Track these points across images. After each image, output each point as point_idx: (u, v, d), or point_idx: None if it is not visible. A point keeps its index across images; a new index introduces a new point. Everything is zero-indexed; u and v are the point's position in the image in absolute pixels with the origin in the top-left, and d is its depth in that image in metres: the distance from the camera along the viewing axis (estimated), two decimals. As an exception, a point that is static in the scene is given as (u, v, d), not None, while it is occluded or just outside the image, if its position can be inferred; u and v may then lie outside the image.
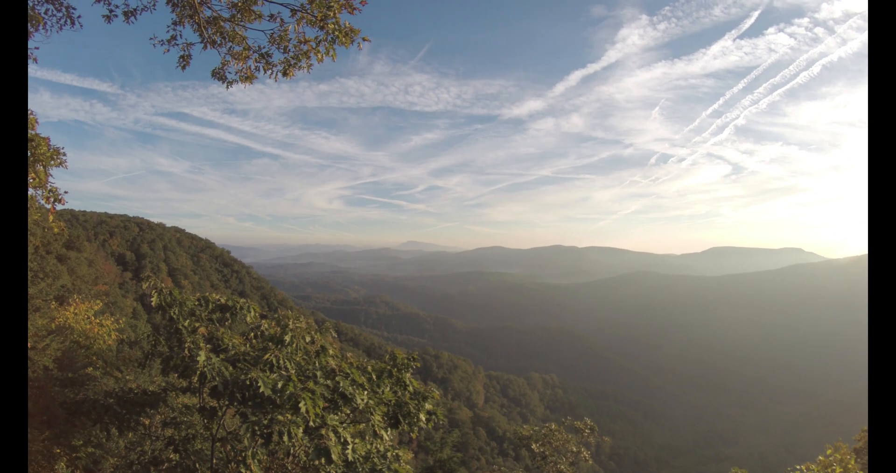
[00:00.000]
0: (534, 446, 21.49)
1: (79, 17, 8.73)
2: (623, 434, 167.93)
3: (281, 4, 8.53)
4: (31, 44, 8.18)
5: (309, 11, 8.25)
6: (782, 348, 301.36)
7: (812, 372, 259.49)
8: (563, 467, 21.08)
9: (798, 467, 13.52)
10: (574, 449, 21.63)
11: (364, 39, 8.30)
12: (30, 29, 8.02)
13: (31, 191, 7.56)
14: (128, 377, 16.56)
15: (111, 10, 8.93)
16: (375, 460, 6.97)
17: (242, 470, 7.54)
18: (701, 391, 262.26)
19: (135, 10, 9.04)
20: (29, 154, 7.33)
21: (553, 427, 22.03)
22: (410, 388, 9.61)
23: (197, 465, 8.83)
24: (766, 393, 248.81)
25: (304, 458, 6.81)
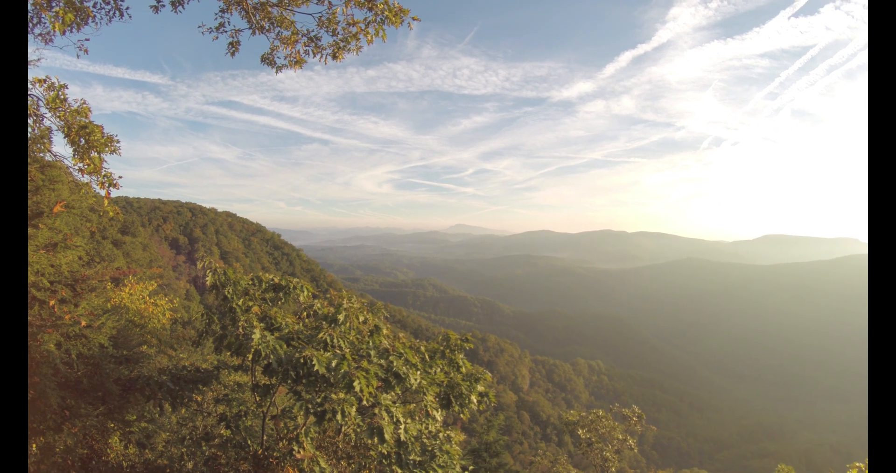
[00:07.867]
0: (580, 432, 21.34)
1: (127, 8, 8.58)
2: (668, 424, 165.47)
3: (328, -13, 8.44)
4: (80, 36, 8.24)
5: (357, -8, 8.14)
6: (832, 342, 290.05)
7: (863, 369, 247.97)
8: (607, 454, 20.89)
9: (847, 466, 12.47)
10: (620, 437, 21.37)
11: (414, 19, 8.11)
12: (79, 21, 8.06)
13: (86, 177, 7.68)
14: (181, 355, 17.16)
15: (158, 0, 8.78)
16: (425, 440, 7.00)
17: (294, 447, 7.70)
18: (747, 384, 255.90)
19: (181, -2, 8.90)
20: (83, 141, 7.45)
21: (600, 413, 21.80)
22: (463, 369, 9.60)
23: (248, 441, 9.05)
24: (814, 389, 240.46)
25: (354, 437, 6.87)
